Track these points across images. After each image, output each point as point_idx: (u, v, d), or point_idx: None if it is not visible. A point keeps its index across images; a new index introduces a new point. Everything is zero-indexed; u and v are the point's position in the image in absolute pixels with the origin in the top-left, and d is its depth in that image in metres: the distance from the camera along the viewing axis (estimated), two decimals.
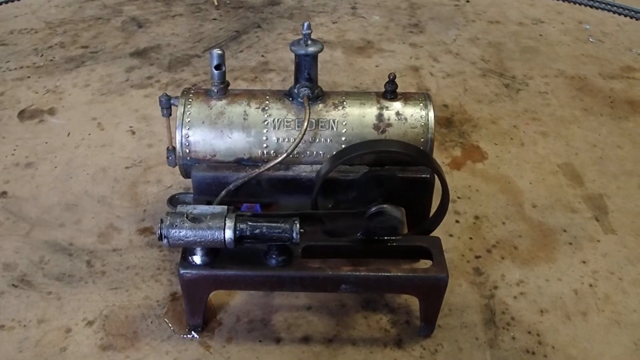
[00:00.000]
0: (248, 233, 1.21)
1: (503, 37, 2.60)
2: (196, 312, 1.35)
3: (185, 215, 1.21)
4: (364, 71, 2.35)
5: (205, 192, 1.40)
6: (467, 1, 2.90)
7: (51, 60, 2.37)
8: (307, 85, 1.39)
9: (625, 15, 2.79)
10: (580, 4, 2.88)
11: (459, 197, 1.76)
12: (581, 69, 2.39)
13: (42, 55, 2.40)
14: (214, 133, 1.39)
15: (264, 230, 1.21)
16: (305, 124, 1.34)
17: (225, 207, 1.24)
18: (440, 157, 1.89)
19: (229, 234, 1.19)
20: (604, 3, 2.86)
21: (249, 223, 1.21)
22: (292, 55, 1.40)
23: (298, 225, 1.20)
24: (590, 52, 2.50)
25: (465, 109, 2.15)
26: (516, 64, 2.41)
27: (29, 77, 2.26)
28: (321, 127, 1.39)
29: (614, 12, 2.81)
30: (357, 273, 1.27)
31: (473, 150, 1.96)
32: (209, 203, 1.34)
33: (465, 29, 2.66)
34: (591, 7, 2.86)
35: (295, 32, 2.59)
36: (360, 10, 2.79)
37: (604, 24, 2.73)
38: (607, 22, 2.74)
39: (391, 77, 1.41)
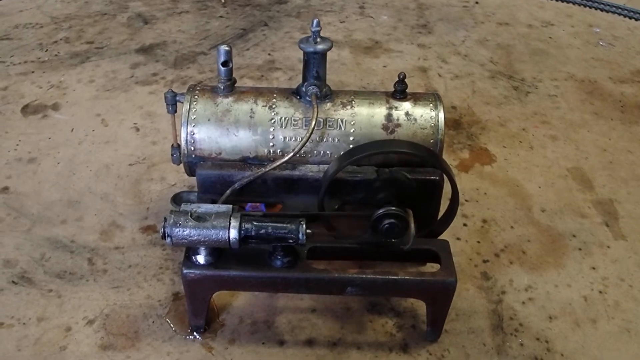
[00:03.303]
0: (253, 233, 1.18)
1: (512, 39, 2.57)
2: (199, 312, 1.33)
3: (189, 214, 1.18)
4: (372, 71, 2.32)
5: (210, 191, 1.37)
6: (476, 2, 2.87)
7: (56, 55, 2.35)
8: (315, 83, 1.37)
9: (636, 19, 2.76)
10: (590, 7, 2.85)
11: (466, 200, 1.73)
12: (591, 72, 2.36)
13: (46, 50, 2.38)
14: (219, 131, 1.37)
15: (270, 231, 1.18)
16: (313, 123, 1.32)
17: (230, 206, 1.21)
18: (448, 159, 1.85)
19: (233, 233, 1.17)
20: (614, 6, 2.83)
21: (254, 223, 1.18)
22: (300, 54, 1.37)
23: (304, 226, 1.18)
24: (600, 56, 2.47)
25: (473, 111, 2.12)
26: (525, 66, 2.39)
27: (33, 72, 2.24)
28: (329, 126, 1.36)
29: (625, 16, 2.78)
30: (364, 276, 1.25)
31: (481, 152, 1.93)
32: (214, 202, 1.32)
33: (474, 31, 2.63)
34: (601, 10, 2.83)
35: (302, 30, 2.57)
36: (368, 10, 2.76)
37: (614, 27, 2.70)
38: (617, 26, 2.71)
39: (401, 77, 1.39)
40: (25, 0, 2.74)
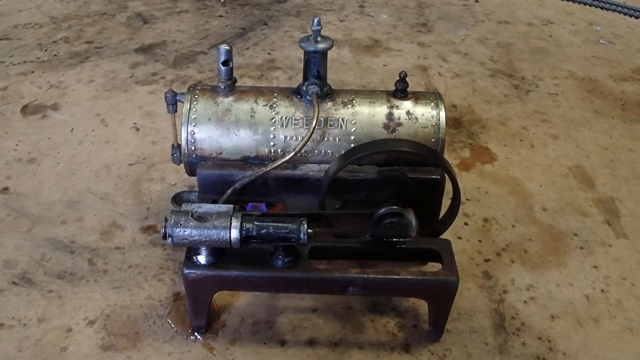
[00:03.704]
0: (254, 233, 1.18)
1: (512, 38, 2.57)
2: (200, 312, 1.32)
3: (190, 214, 1.18)
4: (372, 70, 2.32)
5: (211, 191, 1.37)
6: (476, 1, 2.87)
7: (55, 55, 2.34)
8: (316, 82, 1.36)
9: (637, 17, 2.75)
10: (590, 5, 2.84)
11: (467, 199, 1.73)
12: (592, 70, 2.35)
13: (46, 50, 2.37)
14: (220, 130, 1.36)
15: (271, 231, 1.18)
16: (314, 122, 1.31)
17: (231, 206, 1.21)
18: (448, 158, 1.85)
19: (234, 233, 1.17)
20: (614, 4, 2.83)
21: (256, 223, 1.18)
22: (299, 53, 1.37)
23: (306, 225, 1.18)
24: (600, 54, 2.47)
25: (474, 110, 2.12)
26: (526, 64, 2.38)
27: (32, 72, 2.24)
28: (330, 125, 1.36)
29: (625, 14, 2.78)
30: (366, 275, 1.24)
31: (482, 151, 1.93)
32: (214, 202, 1.32)
33: (474, 29, 2.63)
34: (601, 8, 2.82)
35: (302, 29, 2.57)
36: (368, 9, 2.76)
37: (614, 25, 2.70)
38: (617, 24, 2.71)
39: (402, 76, 1.38)
40: (25, 0, 2.73)
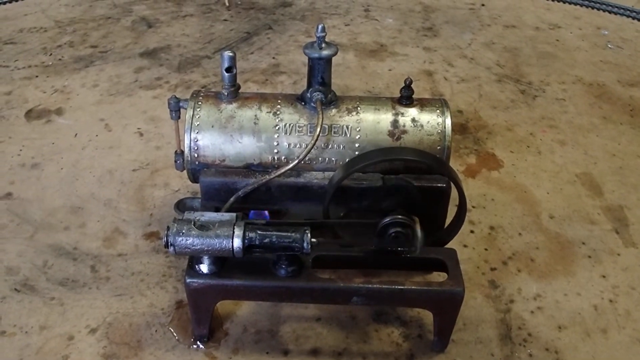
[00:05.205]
0: (257, 242, 1.16)
1: (519, 42, 2.54)
2: (202, 321, 1.31)
3: (192, 223, 1.17)
4: (377, 75, 2.30)
5: (214, 198, 1.35)
6: (483, 5, 2.85)
7: (60, 59, 2.34)
8: (320, 89, 1.35)
9: None
10: (598, 9, 2.82)
11: (473, 207, 1.71)
12: (599, 75, 2.33)
13: (50, 54, 2.37)
14: (223, 137, 1.35)
15: (274, 240, 1.16)
16: (318, 129, 1.30)
17: (234, 214, 1.20)
18: (454, 165, 1.84)
19: (237, 242, 1.15)
20: (622, 8, 2.80)
21: (259, 232, 1.17)
22: (304, 58, 1.36)
23: (309, 234, 1.16)
24: (608, 59, 2.44)
25: (480, 115, 2.10)
26: (532, 69, 2.36)
27: (37, 76, 2.23)
28: (334, 133, 1.34)
29: (633, 18, 2.75)
30: (370, 285, 1.22)
31: (488, 157, 1.91)
32: (217, 209, 1.30)
33: (480, 33, 2.61)
34: (609, 12, 2.80)
35: (307, 34, 2.55)
36: (373, 13, 2.74)
37: (622, 29, 2.67)
38: (625, 28, 2.68)
39: (407, 82, 1.36)
40: (30, 4, 2.73)
